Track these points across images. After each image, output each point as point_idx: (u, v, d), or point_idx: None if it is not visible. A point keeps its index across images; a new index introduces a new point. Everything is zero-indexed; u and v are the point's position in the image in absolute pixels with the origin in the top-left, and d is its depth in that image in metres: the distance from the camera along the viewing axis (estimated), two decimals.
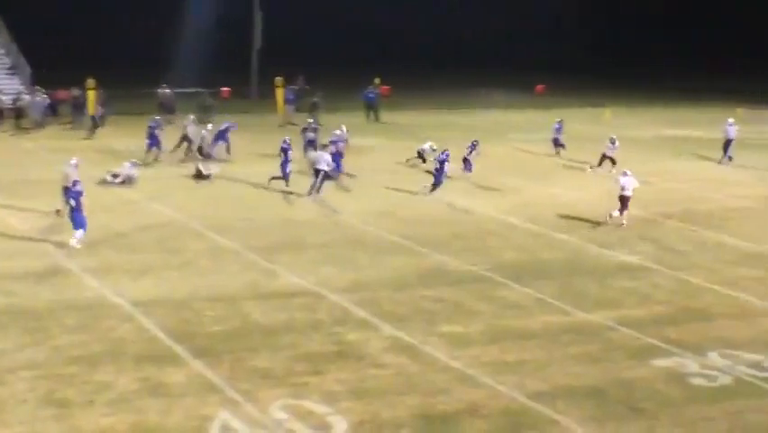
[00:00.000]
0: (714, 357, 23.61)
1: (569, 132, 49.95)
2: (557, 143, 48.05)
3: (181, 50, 71.27)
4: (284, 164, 39.55)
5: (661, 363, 23.21)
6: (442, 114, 63.22)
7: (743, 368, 23.03)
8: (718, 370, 22.89)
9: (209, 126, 45.23)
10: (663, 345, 24.22)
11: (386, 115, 60.01)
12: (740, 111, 62.85)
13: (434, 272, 29.55)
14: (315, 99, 58.77)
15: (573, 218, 36.30)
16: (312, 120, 49.67)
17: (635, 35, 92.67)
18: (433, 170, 39.46)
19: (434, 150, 43.58)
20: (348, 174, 42.09)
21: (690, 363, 23.18)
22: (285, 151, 39.67)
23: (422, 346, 23.66)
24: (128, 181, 39.66)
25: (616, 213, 35.09)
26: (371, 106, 60.91)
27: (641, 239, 33.91)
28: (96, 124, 53.23)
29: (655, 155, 49.52)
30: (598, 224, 35.38)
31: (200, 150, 43.47)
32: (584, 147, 48.44)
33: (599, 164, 44.46)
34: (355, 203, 37.94)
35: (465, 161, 42.46)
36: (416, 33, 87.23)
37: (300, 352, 22.86)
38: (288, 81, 62.39)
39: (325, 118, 55.61)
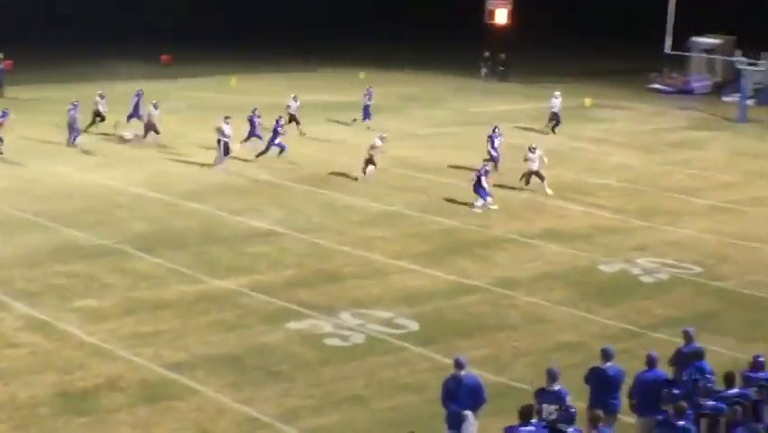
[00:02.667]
0: (346, 317, 24.24)
1: (196, 100, 49.69)
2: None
3: None
4: None
5: (295, 325, 23.63)
6: (66, 87, 61.43)
7: (374, 326, 23.77)
8: (351, 329, 23.53)
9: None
10: (297, 308, 24.67)
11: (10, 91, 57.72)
12: (363, 75, 64.36)
13: (67, 248, 28.90)
14: None
15: (204, 187, 36.25)
16: None
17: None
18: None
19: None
20: None
21: (324, 325, 23.73)
22: None
23: (57, 323, 23.17)
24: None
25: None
26: None
27: (271, 204, 34.28)
28: None
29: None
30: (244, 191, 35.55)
31: None
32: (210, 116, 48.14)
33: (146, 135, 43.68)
34: None
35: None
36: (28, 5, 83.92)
37: None
38: None
39: None
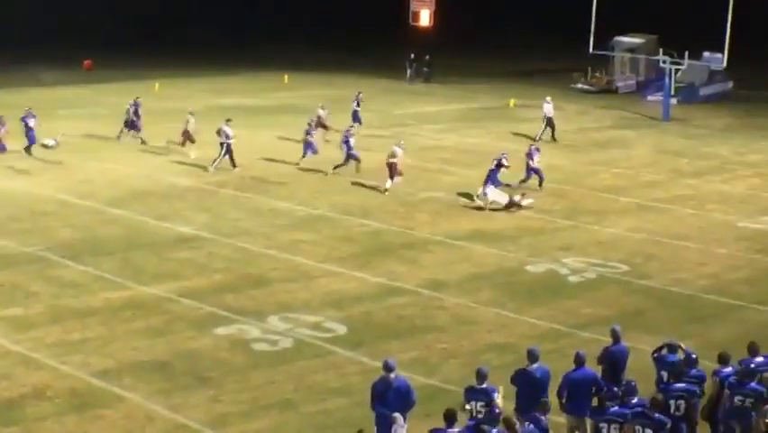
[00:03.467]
0: (274, 321, 24.19)
1: (118, 107, 49.17)
2: (131, 126, 45.27)
3: None
4: None
5: (223, 331, 23.54)
6: None
7: (303, 330, 23.73)
8: (279, 334, 23.49)
9: None
10: (225, 313, 24.58)
11: None
12: (286, 77, 64.23)
13: None
14: None
15: (130, 193, 35.97)
16: None
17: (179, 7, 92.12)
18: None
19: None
20: None
21: (252, 329, 23.66)
22: None
23: None
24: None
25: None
26: None
27: (197, 209, 34.09)
28: None
29: (209, 124, 49.59)
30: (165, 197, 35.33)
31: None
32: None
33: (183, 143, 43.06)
34: None
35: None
36: None
37: None
38: None
39: None
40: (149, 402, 19.78)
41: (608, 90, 65.90)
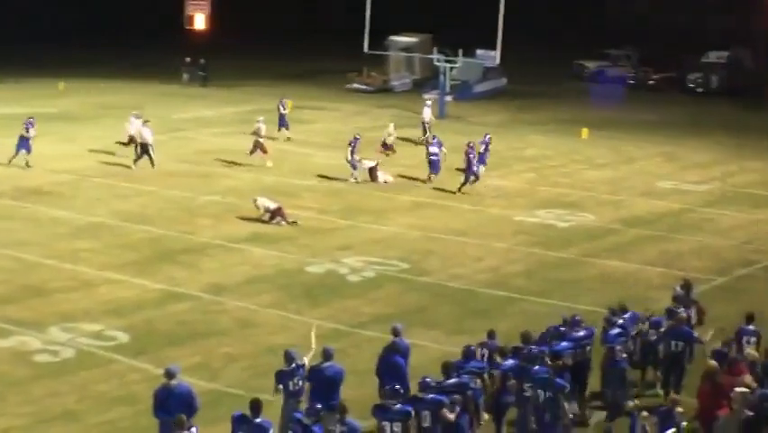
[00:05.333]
0: (55, 332, 23.92)
1: None
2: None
3: None
4: None
5: (3, 343, 23.19)
6: None
7: (84, 339, 23.56)
8: (61, 344, 23.24)
9: None
10: (3, 325, 24.17)
11: None
12: (62, 85, 63.09)
13: None
14: None
15: None
16: None
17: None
18: None
19: None
20: None
21: (33, 341, 23.36)
22: None
23: None
24: None
25: None
26: None
27: None
28: None
29: None
30: None
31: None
32: None
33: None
34: None
35: None
36: None
37: None
38: None
39: None
40: None
41: (385, 89, 66.84)
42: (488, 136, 42.45)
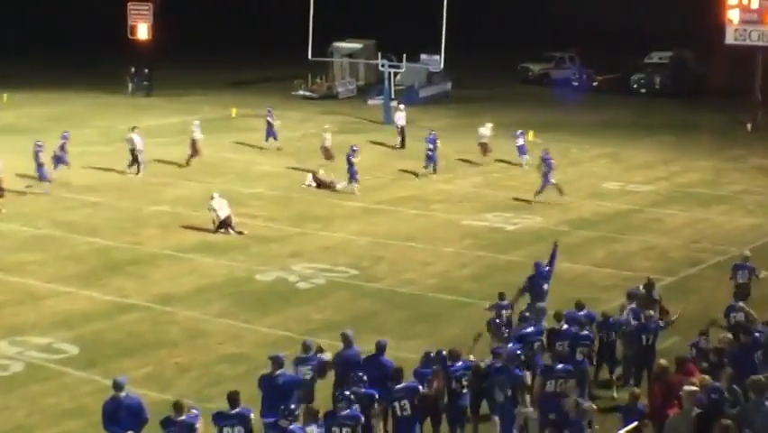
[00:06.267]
0: (4, 346, 23.75)
1: None
2: None
3: None
4: None
5: None
6: None
7: (33, 353, 23.39)
8: (10, 358, 23.08)
9: None
10: None
11: None
12: (6, 97, 62.46)
13: None
14: None
15: None
16: None
17: None
18: None
19: None
20: None
21: None
22: None
23: None
24: None
25: None
26: None
27: None
28: None
29: None
30: None
31: None
32: None
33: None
34: None
35: None
36: None
37: None
38: None
39: None
40: None
41: (330, 96, 66.81)
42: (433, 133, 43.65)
